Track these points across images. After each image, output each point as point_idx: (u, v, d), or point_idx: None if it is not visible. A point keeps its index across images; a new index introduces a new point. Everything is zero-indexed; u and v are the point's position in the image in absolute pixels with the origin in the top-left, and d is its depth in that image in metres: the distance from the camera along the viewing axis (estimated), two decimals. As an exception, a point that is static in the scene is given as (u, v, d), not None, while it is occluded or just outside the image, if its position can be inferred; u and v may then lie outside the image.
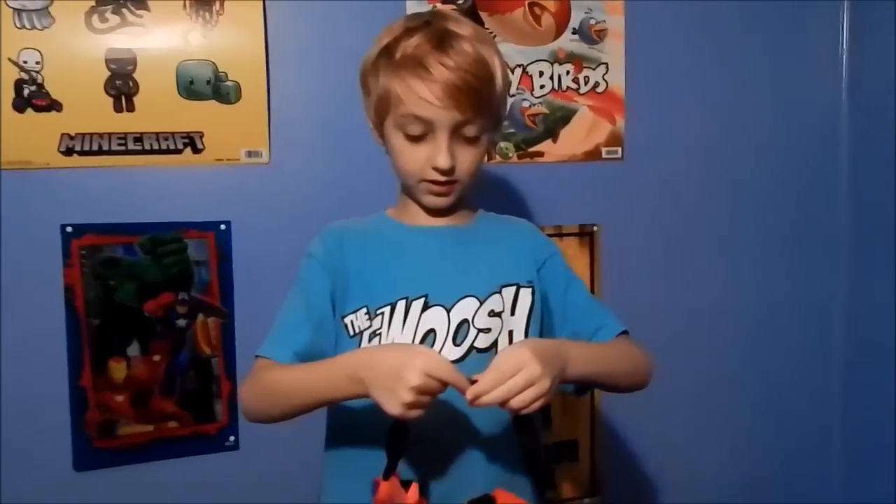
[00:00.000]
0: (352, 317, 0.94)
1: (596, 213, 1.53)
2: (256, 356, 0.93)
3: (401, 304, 0.92)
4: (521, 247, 1.02)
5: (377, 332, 0.92)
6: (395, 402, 0.77)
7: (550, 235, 1.58)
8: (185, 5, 1.30)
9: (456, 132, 0.91)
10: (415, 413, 0.78)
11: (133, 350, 1.32)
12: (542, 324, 0.99)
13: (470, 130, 0.92)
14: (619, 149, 1.53)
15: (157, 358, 1.33)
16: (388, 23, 0.98)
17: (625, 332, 1.01)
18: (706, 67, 1.58)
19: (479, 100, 0.90)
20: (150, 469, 1.33)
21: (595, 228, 1.53)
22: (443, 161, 0.90)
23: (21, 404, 1.27)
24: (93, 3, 1.27)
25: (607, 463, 1.58)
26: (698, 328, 1.62)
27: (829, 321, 1.71)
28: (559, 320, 1.00)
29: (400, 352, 0.81)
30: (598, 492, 1.57)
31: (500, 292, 0.95)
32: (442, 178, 0.92)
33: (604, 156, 1.52)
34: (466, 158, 0.93)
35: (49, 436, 1.28)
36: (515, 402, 0.77)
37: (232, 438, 1.37)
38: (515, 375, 0.77)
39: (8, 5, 1.23)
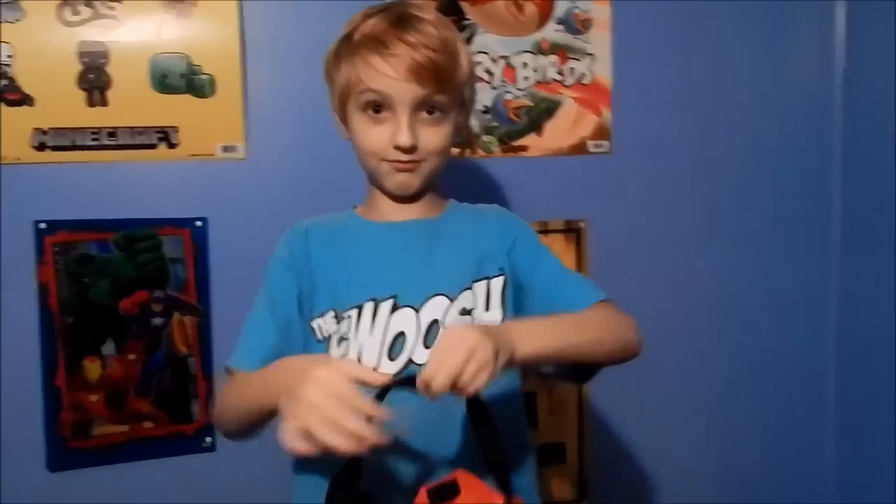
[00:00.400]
0: (319, 321, 0.92)
1: (582, 208, 1.50)
2: (226, 368, 0.92)
3: (368, 306, 0.90)
4: (491, 234, 0.98)
5: (345, 336, 0.90)
6: (290, 430, 0.70)
7: (536, 231, 1.57)
8: (158, -3, 1.29)
9: (418, 109, 0.89)
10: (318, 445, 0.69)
11: (108, 349, 1.31)
12: (515, 309, 0.96)
13: (433, 107, 0.89)
14: (606, 142, 1.50)
15: (132, 357, 1.32)
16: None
17: (605, 301, 0.95)
18: (696, 58, 1.55)
19: (442, 75, 0.88)
20: (125, 470, 1.32)
21: (582, 224, 1.50)
22: (404, 138, 0.88)
23: (-7, 404, 1.27)
24: (64, -4, 1.26)
25: (596, 465, 1.56)
26: (688, 325, 1.59)
27: (822, 316, 1.68)
28: (532, 301, 0.96)
29: (303, 364, 0.76)
30: (587, 495, 1.54)
31: (471, 288, 0.93)
32: (404, 158, 0.90)
33: (590, 149, 1.49)
34: (430, 137, 0.90)
35: (22, 436, 1.27)
36: (462, 380, 0.72)
37: (209, 440, 1.35)
38: (454, 352, 0.72)
39: (-23, -2, 1.23)
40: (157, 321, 1.33)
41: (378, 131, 0.90)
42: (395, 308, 0.90)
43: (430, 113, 0.90)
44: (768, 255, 1.64)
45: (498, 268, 0.95)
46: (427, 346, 0.89)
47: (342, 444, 0.68)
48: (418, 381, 0.74)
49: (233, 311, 1.27)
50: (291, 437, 0.70)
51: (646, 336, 1.60)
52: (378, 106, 0.89)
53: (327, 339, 0.91)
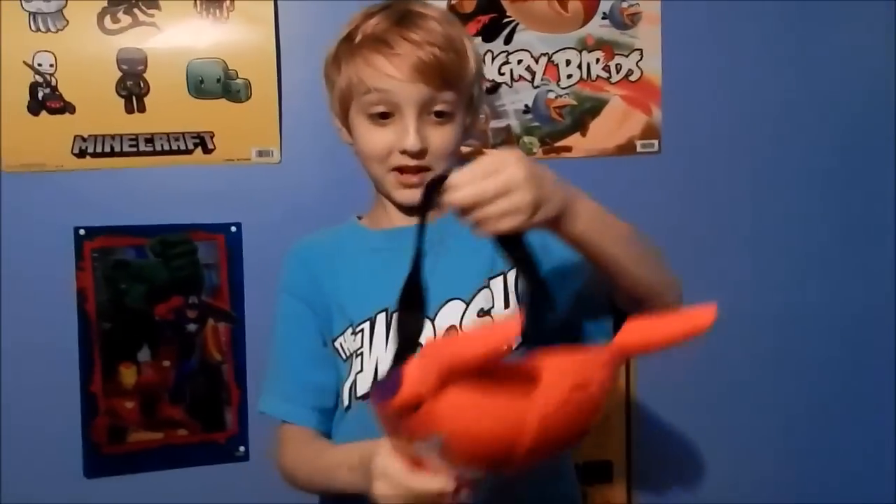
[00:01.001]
0: (340, 339, 0.89)
1: (630, 211, 1.36)
2: (273, 418, 0.92)
3: (381, 318, 0.86)
4: None
5: (359, 351, 0.87)
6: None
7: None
8: (195, 3, 1.30)
9: (425, 111, 0.84)
10: None
11: (143, 355, 1.32)
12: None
13: (440, 107, 0.84)
14: (656, 141, 1.43)
15: (166, 363, 1.32)
16: None
17: None
18: (751, 51, 1.46)
19: (449, 74, 0.83)
20: (159, 477, 1.32)
21: (630, 228, 1.43)
22: (411, 142, 0.83)
23: (33, 410, 1.29)
24: (105, 4, 1.28)
25: (644, 485, 1.47)
26: (742, 334, 1.49)
27: (883, 322, 1.56)
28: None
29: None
30: (637, 517, 1.46)
31: (488, 286, 0.88)
32: (412, 163, 0.85)
33: (638, 149, 1.42)
34: (438, 139, 0.85)
35: (60, 442, 1.29)
36: (480, 212, 0.63)
37: (242, 449, 1.34)
38: (492, 178, 0.63)
39: (24, 8, 1.27)
40: (192, 327, 1.33)
41: (382, 134, 0.85)
42: None
43: (437, 115, 0.85)
44: (827, 260, 1.54)
45: None
46: None
47: None
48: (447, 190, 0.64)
49: (266, 318, 1.25)
50: None
51: (695, 347, 1.52)
52: (384, 114, 0.85)
53: (350, 357, 0.88)
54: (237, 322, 1.34)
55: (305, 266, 0.93)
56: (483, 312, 0.87)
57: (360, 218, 0.98)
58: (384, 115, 0.84)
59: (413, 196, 0.85)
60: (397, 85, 0.82)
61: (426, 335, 0.84)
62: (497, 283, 0.88)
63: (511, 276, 0.88)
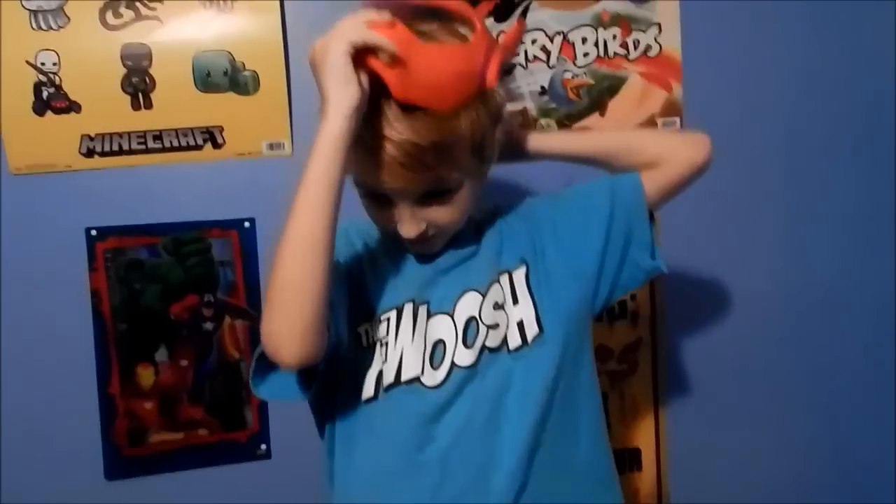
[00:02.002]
0: (366, 325, 0.88)
1: None
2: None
3: (408, 308, 0.86)
4: (510, 224, 0.94)
5: (384, 340, 0.86)
6: (338, 43, 0.71)
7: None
8: (199, -7, 1.28)
9: (420, 198, 0.81)
10: (367, 32, 0.72)
11: (160, 355, 1.31)
12: (578, 279, 0.90)
13: (438, 188, 0.80)
14: (678, 119, 1.39)
15: (184, 363, 1.31)
16: None
17: None
18: (774, 22, 1.41)
19: (439, 160, 0.77)
20: (180, 478, 1.32)
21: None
22: (406, 232, 0.82)
23: (52, 414, 1.29)
24: (106, -1, 1.27)
25: (675, 472, 1.45)
26: (768, 321, 1.47)
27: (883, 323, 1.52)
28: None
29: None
30: (667, 504, 1.44)
31: (498, 280, 0.89)
32: (415, 240, 0.84)
33: (660, 127, 1.38)
34: (440, 217, 0.83)
35: (80, 445, 1.29)
36: None
37: (263, 447, 1.33)
38: None
39: (24, 7, 1.25)
40: (208, 326, 1.32)
41: (382, 213, 0.83)
42: (430, 315, 0.87)
43: (437, 195, 0.81)
44: (857, 241, 1.50)
45: (518, 258, 0.90)
46: (467, 346, 0.85)
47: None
48: None
49: None
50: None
51: (722, 335, 1.48)
52: (382, 197, 0.82)
53: (373, 344, 0.87)
54: (254, 319, 1.32)
55: (349, 242, 0.92)
56: (498, 306, 0.87)
57: None
58: (382, 198, 0.82)
59: (422, 251, 0.88)
60: (386, 184, 0.79)
61: (447, 331, 0.86)
62: (504, 279, 0.89)
63: (516, 274, 0.89)
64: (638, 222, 0.90)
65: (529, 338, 0.86)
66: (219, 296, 1.32)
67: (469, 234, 0.92)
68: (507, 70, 1.34)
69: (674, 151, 0.91)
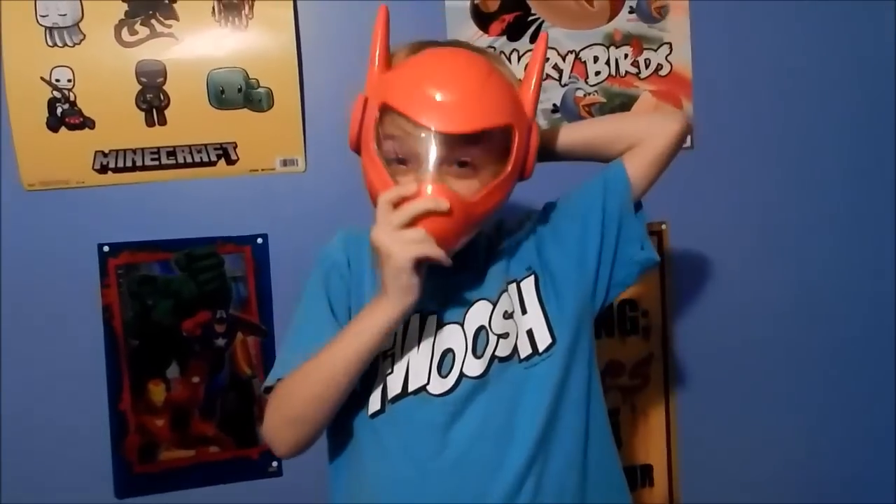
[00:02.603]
0: None
1: (663, 209, 1.39)
2: (267, 389, 0.87)
3: (414, 319, 0.87)
4: (522, 233, 0.96)
5: (389, 352, 0.87)
6: (402, 255, 0.77)
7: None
8: (213, 11, 1.29)
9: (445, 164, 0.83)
10: (429, 246, 0.77)
11: (172, 371, 1.31)
12: (581, 284, 0.92)
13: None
14: (689, 136, 1.40)
15: (196, 379, 1.31)
16: (424, 22, 0.94)
17: None
18: (783, 44, 1.43)
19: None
20: (192, 496, 1.32)
21: (663, 226, 1.41)
22: (433, 190, 0.82)
23: (62, 430, 1.28)
24: (122, 16, 1.27)
25: (687, 488, 1.45)
26: (780, 331, 1.48)
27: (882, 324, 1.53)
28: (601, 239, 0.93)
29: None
30: (679, 521, 1.44)
31: (507, 290, 0.90)
32: None
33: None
34: (463, 187, 0.84)
35: (91, 462, 1.29)
36: None
37: (275, 464, 1.33)
38: None
39: (40, 23, 1.25)
40: (220, 342, 1.32)
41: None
42: (439, 325, 0.87)
43: (464, 165, 0.83)
44: (867, 258, 1.51)
45: (525, 268, 0.92)
46: (476, 356, 0.85)
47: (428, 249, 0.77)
48: None
49: None
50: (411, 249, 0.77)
51: (734, 350, 1.49)
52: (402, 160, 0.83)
53: (375, 359, 0.86)
54: (266, 335, 1.33)
55: (345, 253, 0.93)
56: (507, 315, 0.88)
57: None
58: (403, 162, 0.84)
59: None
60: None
61: (457, 341, 0.87)
62: (512, 288, 0.91)
63: (524, 284, 0.91)
64: (627, 216, 0.93)
65: (541, 347, 0.87)
66: (231, 311, 1.32)
67: (480, 248, 0.93)
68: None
69: (652, 126, 0.96)
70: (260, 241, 1.32)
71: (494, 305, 0.88)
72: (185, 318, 1.31)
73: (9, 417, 1.28)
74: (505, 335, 0.87)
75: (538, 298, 0.90)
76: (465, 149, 0.81)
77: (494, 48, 1.33)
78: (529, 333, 0.88)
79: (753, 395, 1.48)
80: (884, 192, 1.52)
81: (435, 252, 0.77)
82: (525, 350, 0.87)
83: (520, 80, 0.89)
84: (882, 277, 1.53)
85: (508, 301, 0.89)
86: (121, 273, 1.29)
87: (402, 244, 0.77)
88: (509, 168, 0.83)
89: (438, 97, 0.79)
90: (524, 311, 0.89)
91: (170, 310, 1.30)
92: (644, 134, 0.94)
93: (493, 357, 0.86)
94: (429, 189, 0.78)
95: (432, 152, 0.80)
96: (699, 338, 1.46)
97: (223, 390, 1.32)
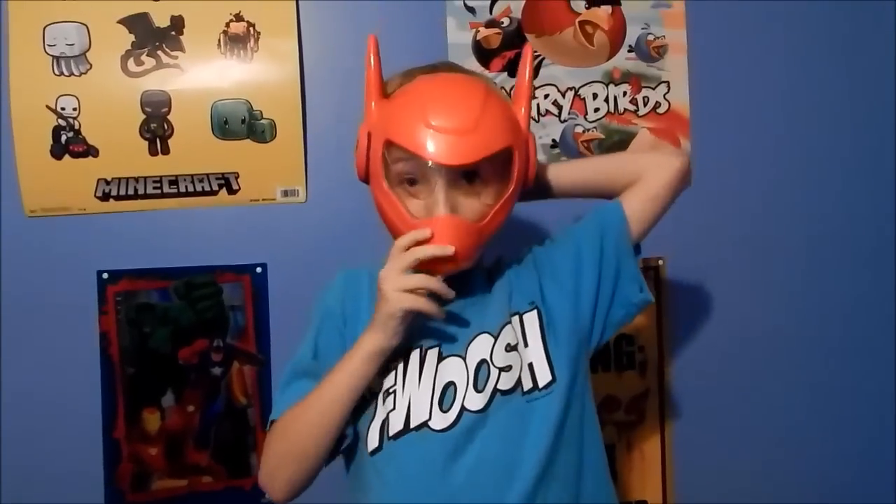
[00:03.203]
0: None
1: (660, 245, 1.39)
2: (271, 422, 0.91)
3: (415, 355, 0.88)
4: (518, 268, 0.97)
5: (391, 389, 0.87)
6: (396, 304, 0.82)
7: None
8: (219, 43, 1.31)
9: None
10: (423, 302, 0.82)
11: (167, 400, 1.31)
12: (577, 321, 0.93)
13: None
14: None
15: (191, 408, 1.31)
16: (427, 56, 0.98)
17: None
18: (780, 81, 1.46)
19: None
20: (184, 526, 1.30)
21: (660, 262, 1.42)
22: (440, 209, 0.86)
23: (56, 456, 1.28)
24: (128, 47, 1.29)
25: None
26: (783, 371, 1.48)
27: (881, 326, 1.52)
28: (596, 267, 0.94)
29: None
30: (675, 560, 1.43)
31: (510, 322, 0.91)
32: None
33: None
34: (469, 206, 0.88)
35: (83, 489, 1.28)
36: None
37: (267, 495, 1.32)
38: None
39: (47, 52, 1.28)
40: (216, 370, 1.32)
41: (415, 202, 0.87)
42: (440, 357, 0.88)
43: (469, 178, 0.86)
44: (866, 296, 1.51)
45: (528, 302, 0.93)
46: (477, 390, 0.86)
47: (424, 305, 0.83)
48: None
49: None
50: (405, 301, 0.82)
51: (731, 387, 1.48)
52: (413, 180, 0.87)
53: (375, 394, 0.88)
54: (263, 364, 1.33)
55: (356, 287, 0.94)
56: (510, 347, 0.88)
57: None
58: (413, 183, 0.87)
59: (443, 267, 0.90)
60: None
61: (458, 374, 0.87)
62: (515, 321, 0.91)
63: (527, 317, 0.91)
64: (625, 257, 0.94)
65: (541, 382, 0.88)
66: (228, 340, 1.32)
67: (481, 281, 0.94)
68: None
69: (651, 163, 0.97)
70: (259, 270, 1.33)
71: (496, 338, 0.89)
72: (182, 346, 1.31)
73: (3, 441, 1.28)
74: (507, 368, 0.87)
75: (541, 334, 0.91)
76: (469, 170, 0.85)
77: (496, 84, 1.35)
78: (531, 367, 0.89)
79: (750, 432, 1.47)
80: (885, 228, 1.53)
81: (427, 308, 0.83)
82: (527, 383, 0.88)
83: (509, 97, 0.92)
84: (882, 311, 1.53)
85: (511, 333, 0.90)
86: (119, 300, 1.30)
87: (400, 293, 0.82)
88: (512, 187, 0.88)
89: (439, 129, 0.83)
90: (526, 344, 0.90)
91: (167, 337, 1.31)
92: (643, 171, 0.95)
93: (494, 390, 0.86)
94: (441, 210, 0.83)
95: (439, 184, 0.84)
96: (696, 373, 1.46)
97: (218, 419, 1.32)
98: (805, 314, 1.50)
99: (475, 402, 0.85)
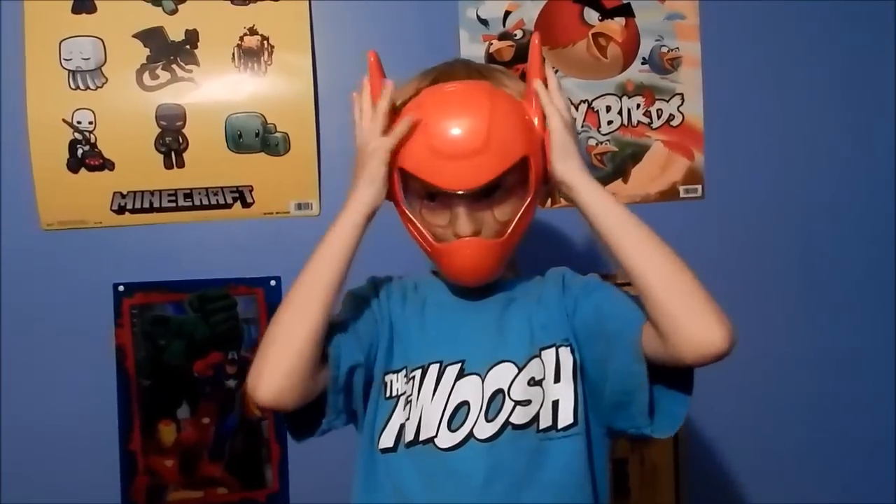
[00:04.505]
0: (392, 376, 0.89)
1: None
2: None
3: (433, 368, 0.86)
4: (552, 298, 0.91)
5: (409, 398, 0.86)
6: (375, 152, 0.84)
7: (624, 284, 1.48)
8: (233, 57, 1.32)
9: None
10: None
11: (183, 412, 1.32)
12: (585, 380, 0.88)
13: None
14: (699, 186, 1.42)
15: (206, 420, 1.32)
16: (441, 68, 0.96)
17: None
18: (793, 92, 1.46)
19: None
20: (199, 538, 1.31)
21: (674, 275, 1.41)
22: (463, 227, 0.85)
23: (72, 468, 1.29)
24: (144, 61, 1.30)
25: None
26: (795, 380, 1.48)
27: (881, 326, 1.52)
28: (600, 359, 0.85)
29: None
30: (687, 573, 1.43)
31: (539, 356, 0.86)
32: None
33: (682, 195, 1.42)
34: (494, 215, 0.87)
35: (100, 501, 1.30)
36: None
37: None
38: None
39: (63, 67, 1.29)
40: (231, 383, 1.33)
41: (439, 218, 0.86)
42: (461, 374, 0.86)
43: (492, 193, 0.85)
44: (881, 306, 1.51)
45: (563, 337, 0.88)
46: (488, 419, 0.83)
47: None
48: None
49: None
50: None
51: (742, 393, 1.48)
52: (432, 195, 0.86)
53: (397, 397, 0.87)
54: (277, 377, 1.33)
55: (390, 288, 0.94)
56: (534, 382, 0.85)
57: (434, 273, 0.96)
58: (439, 199, 0.86)
59: (471, 277, 0.89)
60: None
61: (474, 395, 0.85)
62: (549, 355, 0.86)
63: (563, 352, 0.86)
64: (637, 392, 0.82)
65: (561, 423, 0.84)
66: (242, 353, 1.34)
67: (502, 295, 0.91)
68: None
69: (684, 326, 0.77)
70: (273, 283, 1.34)
71: (520, 370, 0.85)
72: (197, 359, 1.33)
73: (20, 454, 1.30)
74: (525, 402, 0.84)
75: (572, 373, 0.86)
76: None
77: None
78: (555, 405, 0.85)
79: (764, 444, 1.47)
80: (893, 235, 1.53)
81: (402, 127, 0.84)
82: (546, 421, 0.84)
83: (521, 91, 0.88)
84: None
85: (540, 368, 0.86)
86: (135, 313, 1.31)
87: (381, 138, 0.85)
88: (531, 194, 0.86)
89: (448, 155, 0.81)
90: (557, 380, 0.86)
91: (182, 351, 1.32)
92: (683, 331, 0.76)
93: (506, 423, 0.84)
94: (463, 232, 0.83)
95: (458, 206, 0.83)
96: (709, 385, 1.45)
97: (232, 432, 1.33)
98: (819, 324, 1.49)
99: (484, 430, 0.83)
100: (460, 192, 0.82)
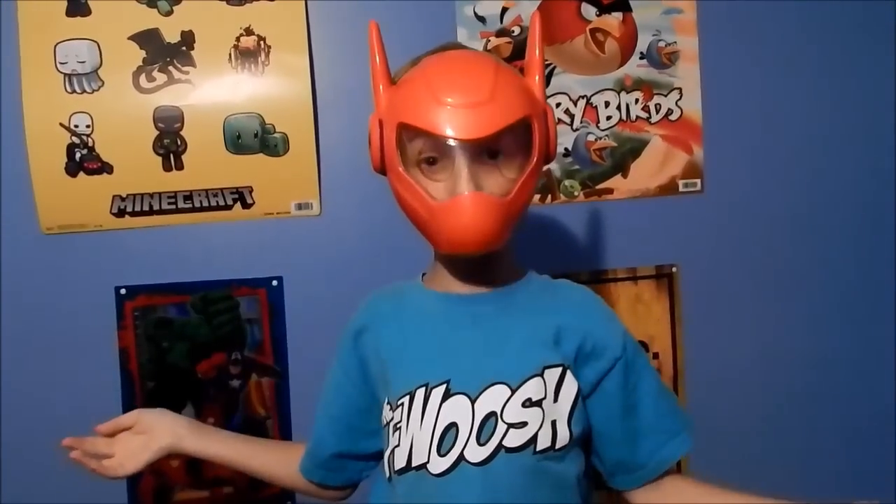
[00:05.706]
0: (386, 406, 0.88)
1: (674, 252, 1.43)
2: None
3: (419, 393, 0.83)
4: (571, 324, 0.87)
5: (398, 424, 0.85)
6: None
7: (624, 279, 1.50)
8: (230, 58, 1.32)
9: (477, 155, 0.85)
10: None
11: (187, 413, 1.33)
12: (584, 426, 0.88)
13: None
14: (698, 180, 1.43)
15: (210, 421, 1.33)
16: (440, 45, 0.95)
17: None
18: (793, 87, 1.46)
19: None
20: (206, 537, 1.33)
21: (674, 269, 1.43)
22: (463, 187, 0.82)
23: (78, 471, 1.29)
24: (140, 63, 1.30)
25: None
26: (800, 376, 1.49)
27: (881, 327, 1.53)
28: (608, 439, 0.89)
29: None
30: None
31: (541, 374, 0.83)
32: None
33: (681, 189, 1.42)
34: (493, 181, 0.85)
35: (106, 503, 1.30)
36: None
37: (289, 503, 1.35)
38: None
39: (59, 70, 1.28)
40: (235, 383, 1.34)
41: (436, 184, 0.82)
42: (447, 395, 0.83)
43: (492, 156, 0.82)
44: (879, 301, 1.52)
45: (570, 362, 0.86)
46: (481, 443, 0.81)
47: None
48: None
49: (311, 371, 1.28)
50: None
51: (744, 389, 1.47)
52: (432, 159, 0.83)
53: (388, 425, 0.87)
54: (281, 376, 1.35)
55: (373, 318, 0.92)
56: (531, 403, 0.82)
57: (423, 275, 0.95)
58: (433, 162, 0.83)
59: (473, 244, 0.84)
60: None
61: (463, 416, 0.83)
62: (552, 374, 0.84)
63: (570, 375, 0.84)
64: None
65: (559, 443, 0.83)
66: (246, 353, 1.34)
67: (509, 268, 0.90)
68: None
69: None
70: (275, 283, 1.35)
71: (514, 391, 0.82)
72: (201, 361, 1.33)
73: (26, 458, 1.31)
74: (521, 424, 0.81)
75: (574, 400, 0.84)
76: (490, 143, 0.80)
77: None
78: (554, 425, 0.83)
79: (763, 444, 1.49)
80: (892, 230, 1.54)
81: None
82: (544, 442, 0.82)
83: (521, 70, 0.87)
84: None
85: (538, 387, 0.83)
86: (137, 315, 1.32)
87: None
88: (535, 159, 0.83)
89: (453, 103, 0.78)
90: (556, 400, 0.84)
91: (185, 352, 1.33)
92: None
93: (499, 447, 0.81)
94: (464, 188, 0.77)
95: (461, 161, 0.79)
96: (710, 381, 1.47)
97: (238, 431, 1.33)
98: (821, 320, 1.50)
99: (475, 454, 0.81)
100: (467, 140, 0.78)
